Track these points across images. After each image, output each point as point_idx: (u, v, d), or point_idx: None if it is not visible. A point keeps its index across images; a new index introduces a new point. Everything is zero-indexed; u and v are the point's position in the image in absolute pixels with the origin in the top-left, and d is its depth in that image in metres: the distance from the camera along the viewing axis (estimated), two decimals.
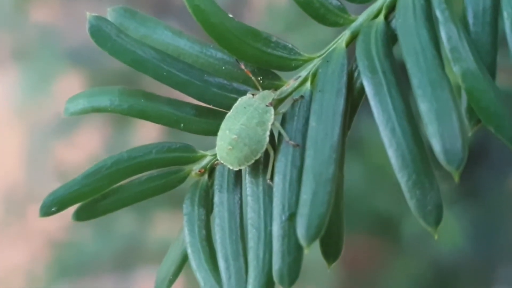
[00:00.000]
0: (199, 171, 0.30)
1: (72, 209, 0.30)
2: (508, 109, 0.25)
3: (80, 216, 0.30)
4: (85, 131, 1.27)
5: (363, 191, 0.92)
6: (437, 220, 0.25)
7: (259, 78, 0.29)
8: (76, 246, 1.21)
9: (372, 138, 0.85)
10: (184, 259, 0.30)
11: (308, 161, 0.26)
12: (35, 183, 1.32)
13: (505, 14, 0.26)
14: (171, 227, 1.10)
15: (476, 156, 0.89)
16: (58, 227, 1.20)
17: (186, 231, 0.29)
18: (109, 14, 0.30)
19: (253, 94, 0.28)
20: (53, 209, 0.29)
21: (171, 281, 0.30)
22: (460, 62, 0.25)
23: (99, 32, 0.28)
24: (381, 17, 0.28)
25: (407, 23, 0.26)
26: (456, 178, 0.24)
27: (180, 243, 0.30)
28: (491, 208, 1.00)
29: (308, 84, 0.28)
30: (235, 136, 0.28)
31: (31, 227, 1.32)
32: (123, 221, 1.17)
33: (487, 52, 0.26)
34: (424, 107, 0.24)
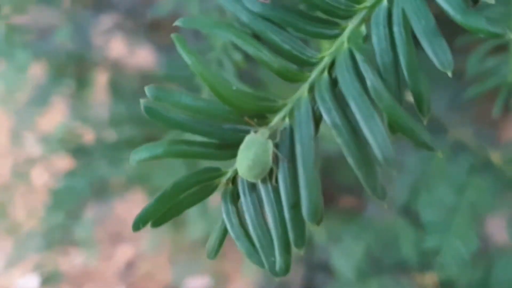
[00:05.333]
0: (226, 182, 0.34)
1: None
2: (414, 123, 0.30)
3: (155, 224, 0.34)
4: (54, 105, 1.27)
5: None
6: (383, 194, 0.30)
7: (254, 120, 0.32)
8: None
9: None
10: (223, 237, 0.35)
11: (300, 172, 0.31)
12: (25, 146, 1.33)
13: (402, 64, 0.31)
14: None
15: None
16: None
17: (226, 222, 0.33)
18: (147, 89, 0.32)
19: (255, 132, 0.32)
20: (140, 225, 0.33)
21: (218, 251, 0.35)
22: (381, 100, 0.30)
23: (151, 110, 0.31)
24: (326, 73, 0.32)
25: (344, 77, 0.31)
26: (395, 173, 0.30)
27: (219, 230, 0.35)
28: None
29: (287, 120, 0.33)
30: (251, 163, 0.32)
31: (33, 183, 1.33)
32: None
33: (395, 90, 0.31)
34: (365, 129, 0.30)
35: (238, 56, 0.68)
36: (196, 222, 1.43)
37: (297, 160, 0.31)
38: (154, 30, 1.36)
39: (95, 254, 1.54)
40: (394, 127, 0.30)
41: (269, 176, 0.33)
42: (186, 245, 1.62)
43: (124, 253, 1.77)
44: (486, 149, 0.91)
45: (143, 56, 1.43)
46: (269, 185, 0.33)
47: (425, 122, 0.31)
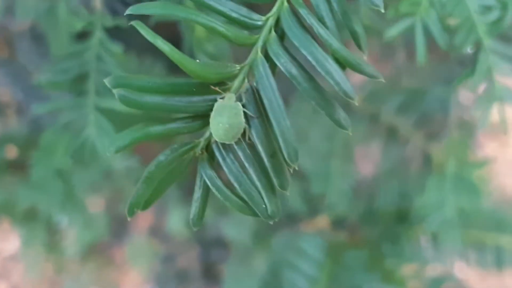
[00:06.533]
0: (201, 151, 0.36)
1: None
2: (359, 59, 0.35)
3: (144, 207, 0.35)
4: None
5: None
6: (347, 124, 0.35)
7: (217, 88, 0.35)
8: None
9: None
10: (205, 204, 0.37)
11: (274, 124, 0.35)
12: None
13: (337, 9, 0.36)
14: None
15: None
16: None
17: (212, 187, 0.36)
18: (108, 81, 0.33)
19: (222, 98, 0.35)
20: (135, 210, 0.34)
21: (202, 219, 0.37)
22: (330, 44, 0.35)
23: (126, 98, 0.33)
24: (273, 32, 0.36)
25: (293, 31, 0.35)
26: (356, 103, 0.34)
27: (198, 194, 0.37)
28: None
29: (246, 81, 0.36)
30: (227, 126, 0.34)
31: None
32: None
33: (336, 33, 0.36)
34: (322, 72, 0.34)
35: (117, 49, 0.69)
36: (72, 235, 1.39)
37: (268, 113, 0.35)
38: None
39: None
40: (343, 65, 0.35)
41: (242, 135, 0.36)
42: (65, 263, 1.57)
43: None
44: None
45: None
46: (243, 144, 0.36)
47: (365, 57, 0.36)
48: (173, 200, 1.24)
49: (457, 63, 0.85)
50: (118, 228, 1.51)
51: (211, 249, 1.31)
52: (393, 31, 0.62)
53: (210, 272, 1.33)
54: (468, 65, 0.64)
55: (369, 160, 1.09)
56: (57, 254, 1.46)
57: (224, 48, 0.66)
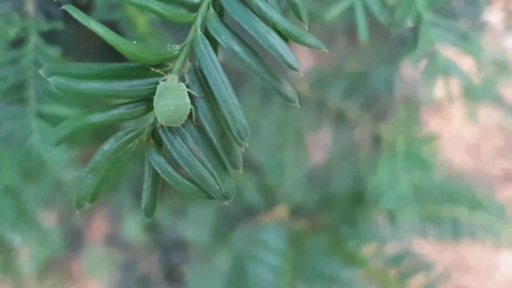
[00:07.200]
0: (147, 137, 0.34)
1: None
2: (301, 30, 0.34)
3: (92, 200, 0.33)
4: None
5: None
6: (293, 95, 0.34)
7: (158, 70, 0.34)
8: None
9: None
10: (156, 187, 0.35)
11: (220, 102, 0.33)
12: None
13: None
14: None
15: None
16: None
17: (161, 173, 0.34)
18: (44, 70, 0.31)
19: (164, 80, 0.33)
20: (83, 202, 0.32)
21: (154, 207, 0.36)
22: (271, 17, 0.34)
23: (62, 86, 0.31)
24: (211, 8, 0.34)
25: (232, 7, 0.34)
26: (301, 74, 0.33)
27: (148, 183, 0.35)
28: None
29: (188, 62, 0.34)
30: (172, 108, 0.33)
31: None
32: None
33: (276, 6, 0.35)
34: (265, 45, 0.33)
35: (54, 52, 0.66)
36: (27, 252, 1.35)
37: (214, 92, 0.33)
38: None
39: None
40: (285, 37, 0.34)
41: (189, 117, 0.34)
42: (23, 282, 1.52)
43: None
44: (292, 81, 1.00)
45: None
46: (191, 125, 0.34)
47: (306, 28, 0.35)
48: (127, 206, 1.21)
49: (398, 43, 0.85)
50: (74, 240, 1.46)
51: (171, 251, 1.28)
52: (333, 12, 0.61)
53: (172, 275, 1.30)
54: (409, 42, 0.65)
55: (320, 146, 1.09)
56: (13, 273, 1.41)
57: (169, 43, 0.64)
